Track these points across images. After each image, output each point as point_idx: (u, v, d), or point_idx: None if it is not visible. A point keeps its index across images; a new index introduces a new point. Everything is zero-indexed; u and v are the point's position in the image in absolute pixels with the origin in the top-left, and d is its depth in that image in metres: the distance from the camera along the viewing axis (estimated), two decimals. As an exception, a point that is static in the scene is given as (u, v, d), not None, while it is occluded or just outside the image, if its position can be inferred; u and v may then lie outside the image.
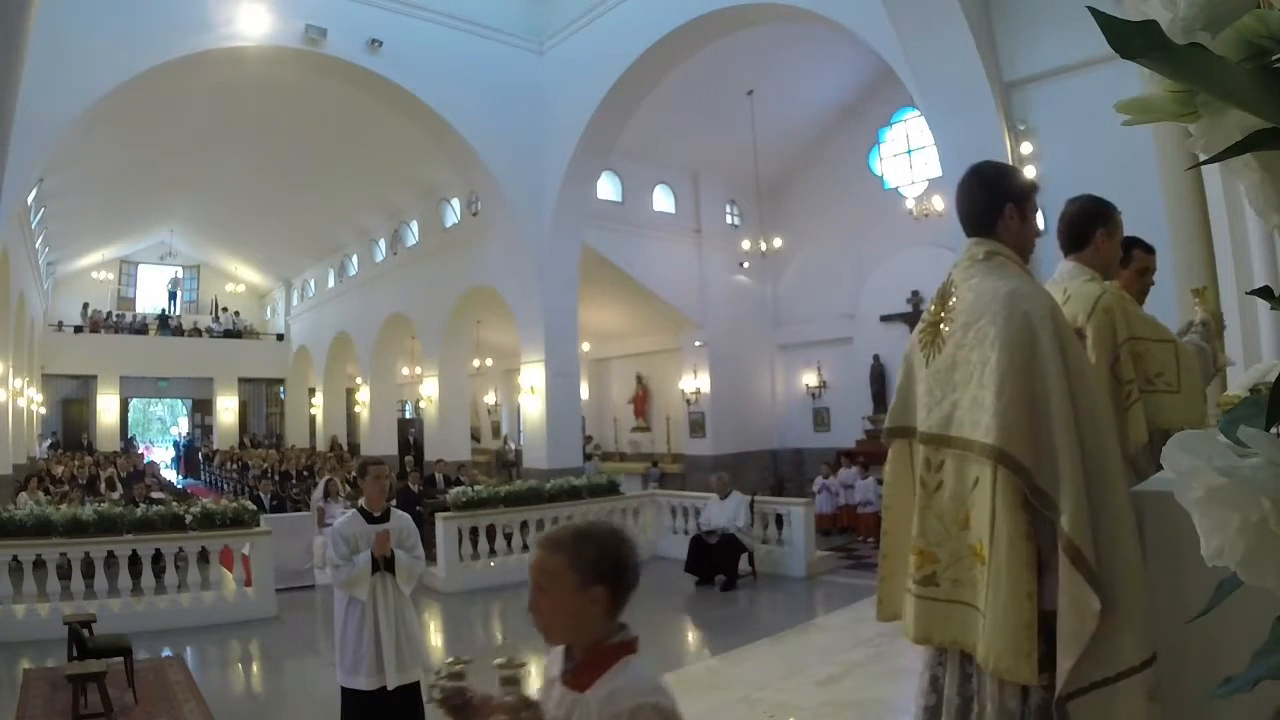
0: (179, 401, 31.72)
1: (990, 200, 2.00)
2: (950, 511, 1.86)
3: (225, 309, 29.11)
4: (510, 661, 1.58)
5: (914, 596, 1.92)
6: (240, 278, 29.00)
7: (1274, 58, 0.68)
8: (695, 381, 16.73)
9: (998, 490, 1.74)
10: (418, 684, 4.22)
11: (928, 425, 1.94)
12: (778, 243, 14.88)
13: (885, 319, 14.66)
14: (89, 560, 7.98)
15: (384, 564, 4.23)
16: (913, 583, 1.92)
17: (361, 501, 4.50)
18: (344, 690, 4.14)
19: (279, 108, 14.61)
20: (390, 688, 4.06)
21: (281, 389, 29.87)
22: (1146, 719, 1.64)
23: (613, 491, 11.15)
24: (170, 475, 23.60)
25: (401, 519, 4.48)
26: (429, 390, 18.31)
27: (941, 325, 1.96)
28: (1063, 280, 2.48)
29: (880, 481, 2.70)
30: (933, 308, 2.03)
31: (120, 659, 5.68)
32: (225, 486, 20.19)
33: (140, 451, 24.50)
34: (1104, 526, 1.67)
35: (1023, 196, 2.02)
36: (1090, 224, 2.51)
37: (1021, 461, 1.69)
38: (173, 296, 28.86)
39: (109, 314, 26.66)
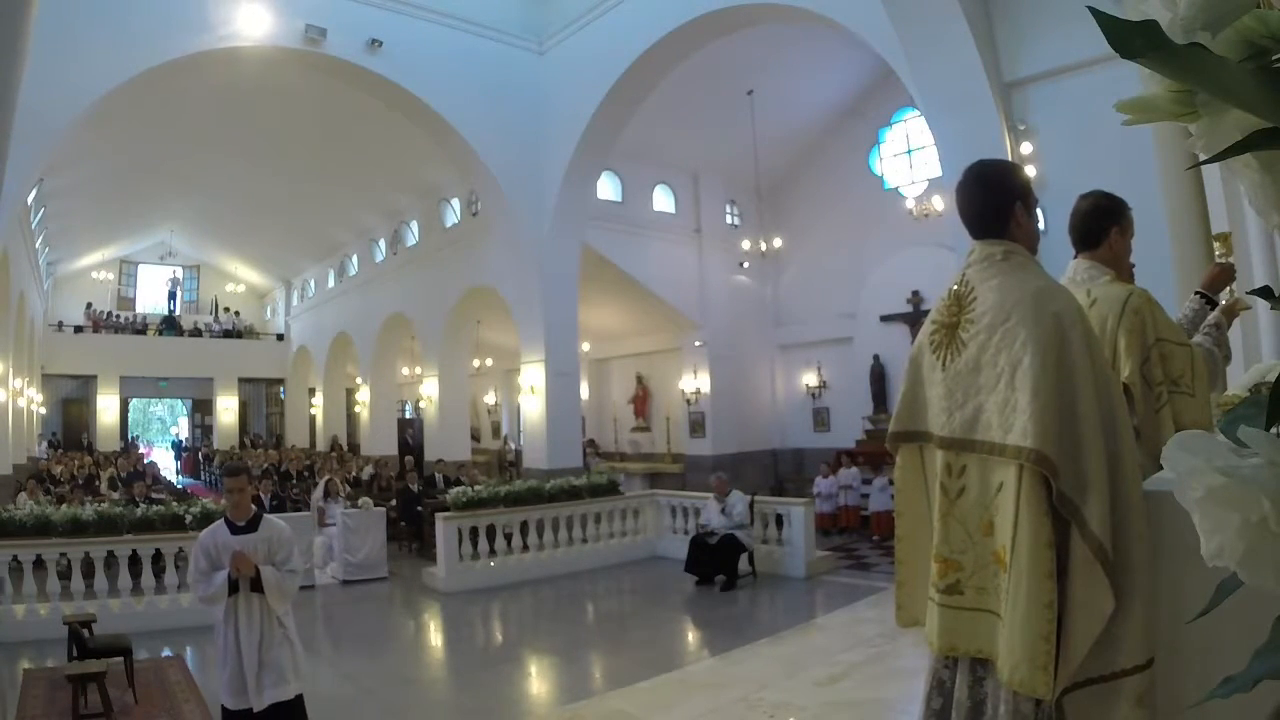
0: (179, 401, 31.75)
1: (999, 201, 1.97)
2: (973, 518, 1.83)
3: (225, 309, 29.12)
4: None
5: (938, 605, 1.86)
6: (240, 278, 29.00)
7: (1274, 58, 0.68)
8: (695, 381, 16.73)
9: (1022, 495, 1.70)
10: (293, 700, 3.95)
11: (949, 429, 1.88)
12: (778, 243, 14.88)
13: (885, 319, 14.66)
14: (89, 560, 7.98)
15: (249, 583, 3.88)
16: (936, 591, 1.87)
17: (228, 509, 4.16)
18: (222, 705, 3.98)
19: (279, 108, 14.61)
20: (255, 710, 3.84)
21: (281, 389, 29.87)
22: None
23: (613, 491, 11.16)
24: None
25: (273, 529, 4.06)
26: (429, 390, 18.30)
27: (959, 327, 1.91)
28: (1083, 281, 2.45)
29: (891, 482, 2.68)
30: (945, 309, 1.97)
31: (120, 659, 5.68)
32: (225, 486, 20.14)
33: (141, 451, 24.50)
34: (1119, 529, 1.66)
35: (1027, 193, 2.00)
36: (1104, 221, 2.49)
37: (1057, 464, 1.67)
38: (173, 296, 28.87)
39: (109, 314, 26.67)
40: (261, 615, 3.93)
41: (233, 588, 3.89)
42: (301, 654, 4.11)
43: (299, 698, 4.01)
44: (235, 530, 4.02)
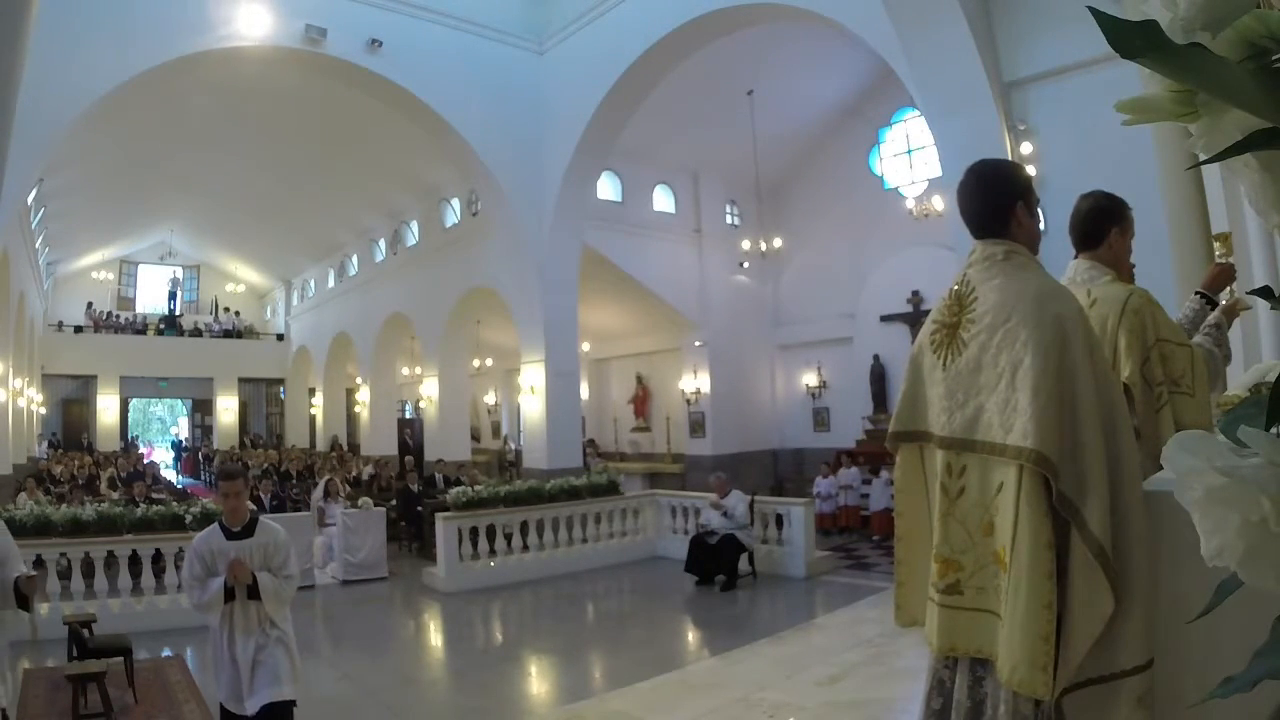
0: (179, 401, 31.75)
1: (1000, 200, 1.97)
2: (973, 518, 1.83)
3: (225, 309, 29.12)
4: None
5: (938, 605, 1.86)
6: (240, 278, 29.00)
7: (1274, 58, 0.68)
8: (695, 381, 16.73)
9: (1022, 495, 1.70)
10: (284, 704, 3.88)
11: (949, 429, 1.88)
12: (778, 243, 14.87)
13: (885, 319, 14.65)
14: (89, 560, 7.98)
15: (245, 590, 3.83)
16: (936, 591, 1.87)
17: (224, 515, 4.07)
18: (220, 704, 3.98)
19: (279, 108, 14.61)
20: (249, 712, 3.81)
21: (281, 389, 29.87)
22: None
23: (613, 491, 11.16)
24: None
25: (269, 533, 3.98)
26: (429, 390, 18.30)
27: (960, 327, 1.91)
28: (1083, 281, 2.45)
29: (892, 482, 2.69)
30: (946, 309, 1.97)
31: (120, 659, 5.68)
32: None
33: (141, 451, 24.51)
34: (1119, 530, 1.66)
35: (1028, 192, 2.00)
36: (1103, 221, 2.49)
37: (1057, 465, 1.67)
38: (173, 296, 28.88)
39: (109, 314, 26.69)
40: (258, 621, 3.89)
41: (229, 595, 3.82)
42: (298, 658, 4.05)
43: (290, 704, 3.92)
44: (231, 536, 3.92)
